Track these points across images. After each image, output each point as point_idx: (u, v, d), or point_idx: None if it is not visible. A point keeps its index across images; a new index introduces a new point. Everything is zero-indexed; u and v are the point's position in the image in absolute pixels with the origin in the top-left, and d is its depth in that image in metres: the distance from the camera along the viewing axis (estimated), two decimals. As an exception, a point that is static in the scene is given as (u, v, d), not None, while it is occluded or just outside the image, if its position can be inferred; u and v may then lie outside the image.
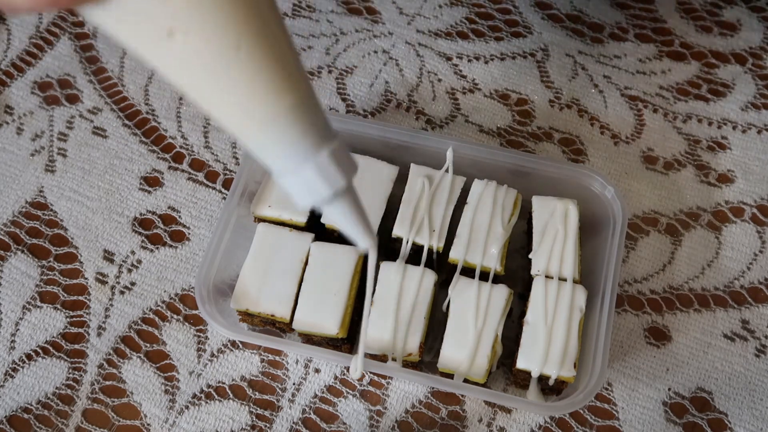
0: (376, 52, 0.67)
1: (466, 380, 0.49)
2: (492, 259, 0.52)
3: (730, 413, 0.52)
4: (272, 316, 0.50)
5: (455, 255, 0.52)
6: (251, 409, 0.53)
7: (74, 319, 0.56)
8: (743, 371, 0.54)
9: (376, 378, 0.53)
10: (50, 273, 0.58)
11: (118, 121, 0.64)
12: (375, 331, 0.50)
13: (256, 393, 0.53)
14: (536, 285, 0.51)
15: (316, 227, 0.54)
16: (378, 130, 0.57)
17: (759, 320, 0.55)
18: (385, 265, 0.52)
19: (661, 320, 0.55)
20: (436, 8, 0.69)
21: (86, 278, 0.57)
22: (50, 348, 0.55)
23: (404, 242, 0.52)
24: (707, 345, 0.54)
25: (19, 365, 0.54)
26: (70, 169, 0.62)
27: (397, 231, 0.53)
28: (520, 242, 0.57)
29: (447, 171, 0.55)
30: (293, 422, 0.52)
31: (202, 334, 0.55)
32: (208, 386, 0.53)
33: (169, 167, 0.62)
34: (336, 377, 0.53)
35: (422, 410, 0.53)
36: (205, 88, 0.30)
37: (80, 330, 0.55)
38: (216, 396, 0.53)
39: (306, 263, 0.52)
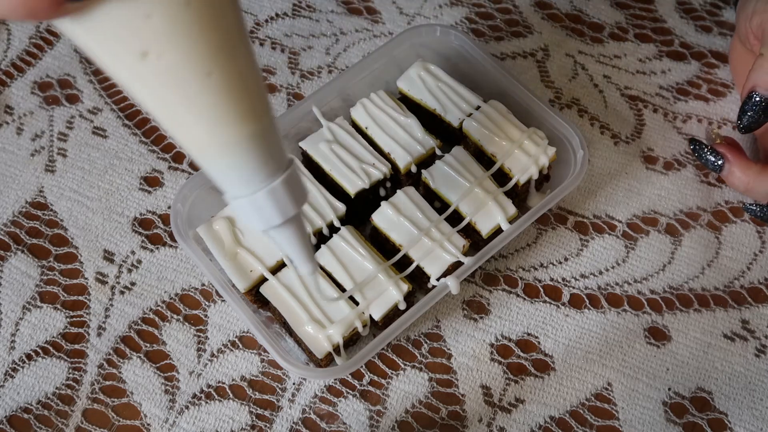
0: (376, 52, 0.67)
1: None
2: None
3: (730, 413, 0.52)
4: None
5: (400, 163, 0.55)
6: (251, 409, 0.53)
7: (74, 319, 0.56)
8: (743, 371, 0.54)
9: (376, 378, 0.53)
10: (50, 273, 0.58)
11: (118, 121, 0.64)
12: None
13: (256, 393, 0.53)
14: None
15: None
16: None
17: (759, 320, 0.55)
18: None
19: (661, 320, 0.55)
20: (436, 8, 0.69)
21: (86, 278, 0.57)
22: (50, 348, 0.55)
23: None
24: (707, 345, 0.55)
25: (19, 365, 0.54)
26: (70, 169, 0.62)
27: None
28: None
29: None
30: (293, 422, 0.52)
31: (202, 334, 0.55)
32: (208, 386, 0.53)
33: (169, 167, 0.62)
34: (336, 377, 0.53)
35: (422, 410, 0.53)
36: (172, 109, 0.31)
37: (80, 330, 0.55)
38: (216, 396, 0.53)
39: None
